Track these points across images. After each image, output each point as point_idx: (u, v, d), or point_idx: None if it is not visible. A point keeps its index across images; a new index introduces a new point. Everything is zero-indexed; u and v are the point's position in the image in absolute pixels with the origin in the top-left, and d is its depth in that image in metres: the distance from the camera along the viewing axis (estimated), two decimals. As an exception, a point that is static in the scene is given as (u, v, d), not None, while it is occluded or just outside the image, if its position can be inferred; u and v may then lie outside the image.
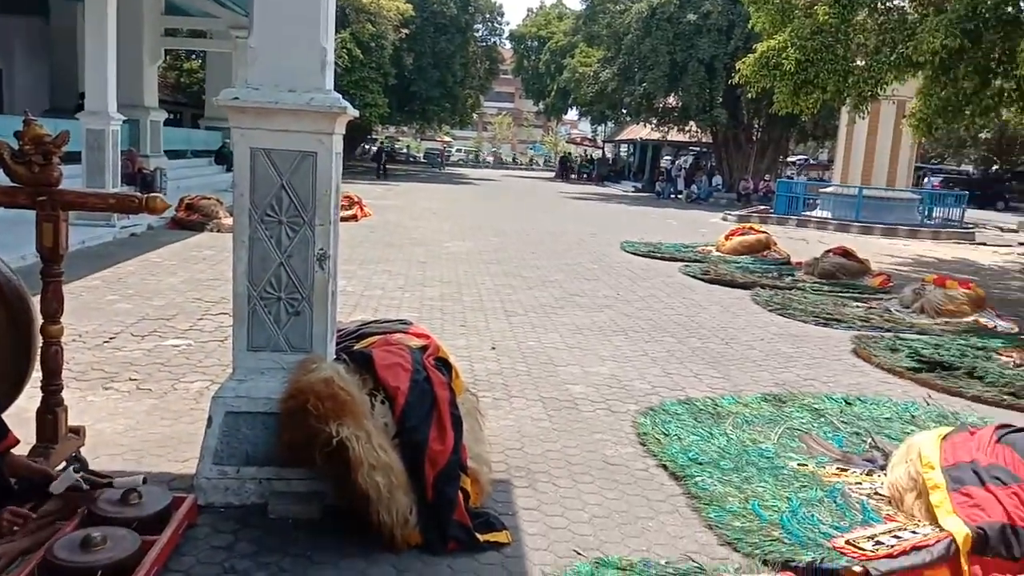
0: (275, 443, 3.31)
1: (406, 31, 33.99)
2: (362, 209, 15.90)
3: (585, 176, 43.56)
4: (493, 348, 6.30)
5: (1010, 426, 3.66)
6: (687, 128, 32.11)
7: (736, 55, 18.80)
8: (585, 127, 60.66)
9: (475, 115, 49.92)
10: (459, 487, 3.28)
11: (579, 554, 3.16)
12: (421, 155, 56.29)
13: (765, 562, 3.07)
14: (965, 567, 2.99)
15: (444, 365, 3.71)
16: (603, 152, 51.74)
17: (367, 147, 51.98)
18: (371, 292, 8.31)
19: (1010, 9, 9.46)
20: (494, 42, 45.16)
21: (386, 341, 3.66)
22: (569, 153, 51.55)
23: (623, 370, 5.90)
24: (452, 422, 3.36)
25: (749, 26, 13.34)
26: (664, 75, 27.38)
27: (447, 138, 61.05)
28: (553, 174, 46.37)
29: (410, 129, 59.82)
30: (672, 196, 31.14)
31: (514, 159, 64.90)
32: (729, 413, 4.85)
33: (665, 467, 4.05)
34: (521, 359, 6.03)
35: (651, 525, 3.47)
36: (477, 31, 42.69)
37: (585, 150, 55.03)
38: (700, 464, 4.00)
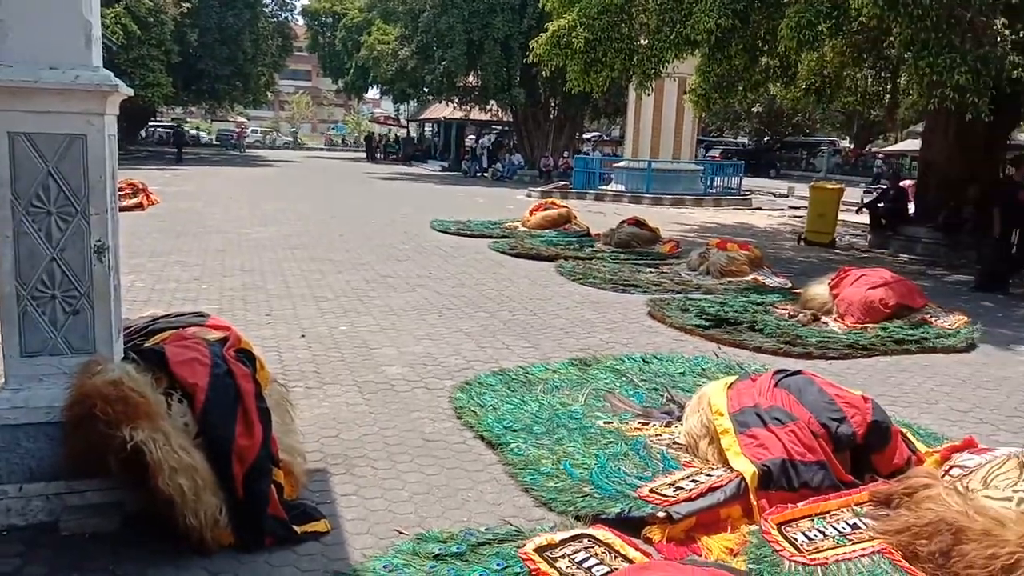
0: (63, 454, 3.03)
1: (188, 5, 31.83)
2: (148, 197, 14.80)
3: (392, 156, 43.11)
4: (303, 336, 6.11)
5: (785, 371, 4.07)
6: (488, 107, 32.59)
7: (530, 34, 19.30)
8: (388, 106, 59.84)
9: (270, 94, 47.70)
10: (271, 481, 3.17)
11: (400, 533, 3.16)
12: (214, 137, 53.19)
13: (578, 517, 3.23)
14: (754, 502, 3.30)
15: (247, 357, 3.55)
16: (408, 131, 51.41)
17: (154, 130, 48.37)
18: (163, 286, 7.77)
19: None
20: (285, 17, 43.39)
21: (180, 336, 3.44)
22: (372, 133, 50.64)
23: (438, 347, 5.94)
24: (259, 415, 3.23)
25: (540, 5, 13.68)
26: (462, 53, 27.57)
27: (241, 118, 58.02)
28: (361, 155, 45.39)
29: (199, 109, 56.31)
30: (478, 174, 31.57)
31: (330, 141, 62.89)
32: (540, 380, 5.03)
33: (482, 438, 4.15)
34: (334, 345, 5.91)
35: (471, 495, 3.54)
36: (266, 6, 40.77)
37: (389, 129, 54.36)
38: (515, 431, 4.12)
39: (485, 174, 31.54)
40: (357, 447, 4.02)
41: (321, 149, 57.19)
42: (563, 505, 3.35)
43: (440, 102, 36.59)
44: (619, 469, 3.63)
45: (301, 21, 45.35)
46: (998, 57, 8.17)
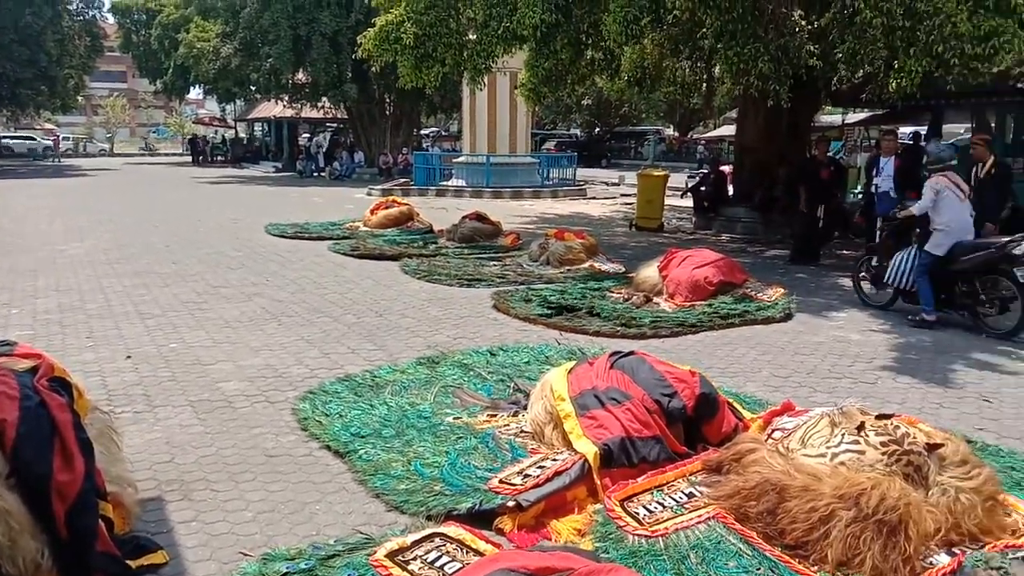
0: None
1: (-25, 3, 28.93)
2: (-57, 216, 13.37)
3: (220, 159, 41.11)
4: (128, 357, 5.72)
5: (620, 352, 4.25)
6: (321, 104, 31.76)
7: (358, 29, 18.94)
8: (213, 106, 56.99)
9: (80, 98, 44.19)
10: (99, 516, 2.94)
11: (245, 555, 3.04)
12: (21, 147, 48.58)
13: (430, 517, 3.23)
14: (598, 481, 3.43)
15: (62, 385, 3.27)
16: (236, 132, 49.20)
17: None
18: (-35, 313, 7.05)
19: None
20: (93, 15, 40.20)
21: (-20, 368, 3.12)
22: (196, 135, 48.03)
23: (279, 358, 5.74)
24: (80, 447, 2.98)
25: (367, 0, 13.50)
26: (289, 50, 26.68)
27: (50, 125, 53.37)
28: (187, 159, 42.88)
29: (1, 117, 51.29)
30: (315, 174, 30.75)
31: (147, 146, 58.83)
32: (387, 382, 4.98)
33: (329, 447, 4.05)
34: (163, 364, 5.57)
35: (319, 508, 3.45)
36: (70, 3, 37.66)
37: (216, 131, 51.79)
38: (363, 437, 4.05)
39: (322, 174, 30.76)
40: (194, 470, 3.82)
41: (141, 155, 53.52)
42: (415, 506, 3.34)
43: (269, 100, 35.27)
44: (469, 464, 3.66)
45: (111, 19, 42.24)
46: (796, 46, 8.87)
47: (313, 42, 26.73)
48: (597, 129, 47.24)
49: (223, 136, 48.11)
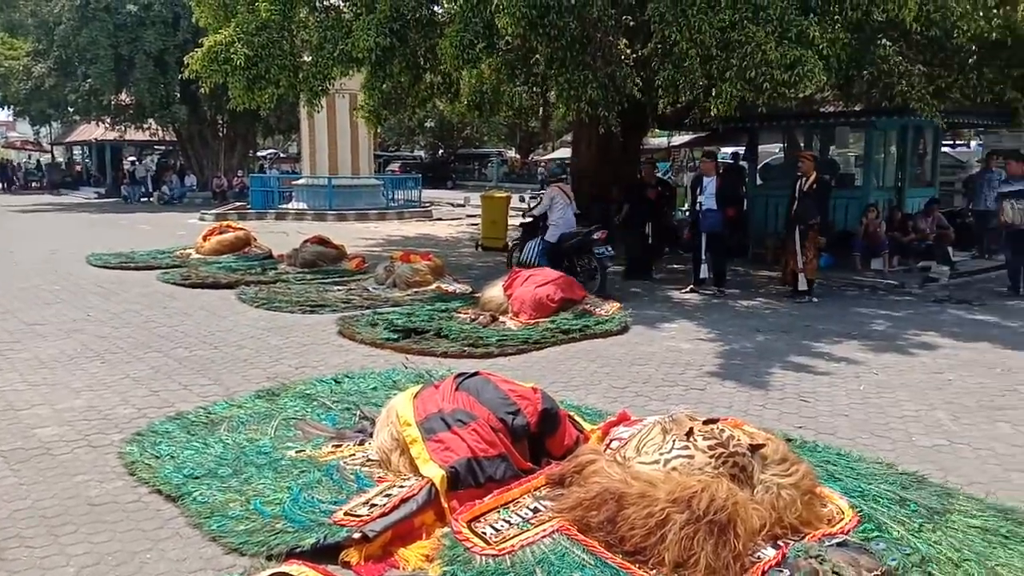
0: None
1: None
2: None
3: (35, 185, 37.89)
4: (-75, 406, 5.15)
5: (464, 374, 4.27)
6: (147, 126, 30.05)
7: (186, 48, 18.11)
8: (26, 128, 52.55)
9: None
10: None
11: (65, 616, 2.79)
12: None
13: (270, 556, 3.10)
14: (445, 504, 3.42)
15: None
16: (53, 156, 45.59)
17: None
18: None
19: (426, 12, 10.84)
20: None
21: None
22: (6, 160, 44.07)
23: (102, 399, 5.35)
24: None
25: (194, 19, 12.93)
26: (110, 69, 25.02)
27: None
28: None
29: None
30: (142, 200, 29.03)
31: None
32: (223, 418, 4.75)
33: (160, 491, 3.81)
34: (-33, 412, 5.05)
35: (150, 557, 3.24)
36: None
37: (29, 155, 47.76)
38: (197, 478, 3.84)
39: (150, 199, 29.09)
40: (7, 527, 3.48)
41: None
42: (255, 547, 3.20)
43: (89, 122, 32.97)
44: (313, 498, 3.55)
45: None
46: (623, 75, 9.33)
47: (137, 61, 25.24)
48: (441, 151, 47.54)
49: (38, 161, 44.45)
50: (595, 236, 9.40)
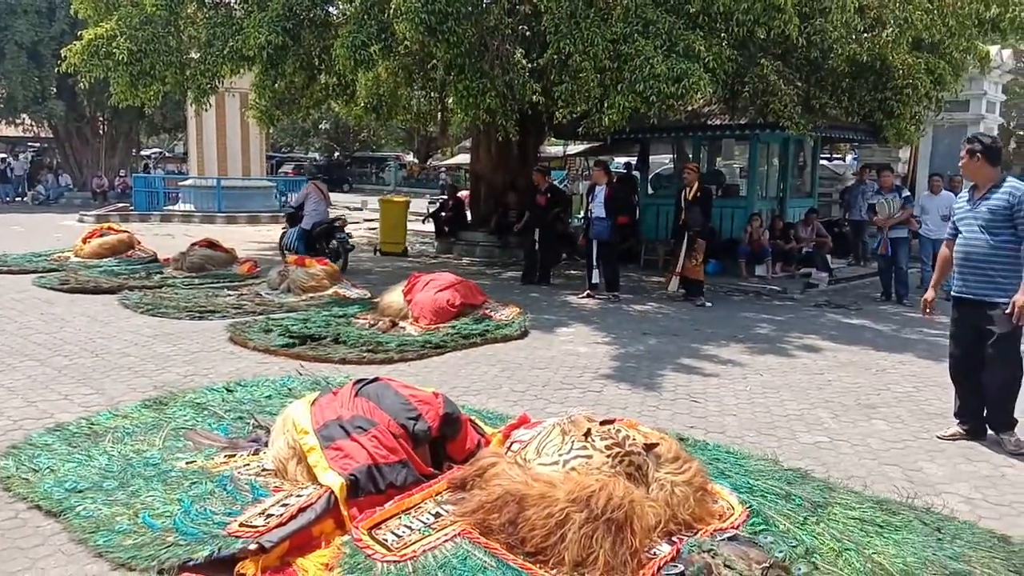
0: None
1: None
2: None
3: None
4: None
5: (364, 380, 4.22)
6: (20, 121, 28.23)
7: (63, 40, 17.13)
8: None
9: None
10: None
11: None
12: None
13: (161, 571, 2.98)
14: (345, 512, 3.36)
15: None
16: (-90, 151, 42.21)
17: None
18: None
19: (320, 12, 10.66)
20: None
21: None
22: None
23: (-29, 411, 4.99)
24: None
25: (72, 10, 12.25)
26: (-23, 60, 23.46)
27: None
28: None
29: None
30: (14, 199, 27.26)
31: None
32: (107, 429, 4.52)
33: (39, 507, 3.59)
34: None
35: (28, 577, 3.05)
36: None
37: None
38: (80, 492, 3.64)
39: (23, 199, 27.33)
40: None
41: None
42: (145, 560, 3.06)
43: (-47, 116, 30.67)
44: (206, 509, 3.43)
45: None
46: (520, 83, 9.46)
47: (7, 52, 23.66)
48: (337, 154, 46.74)
49: None
50: (336, 224, 12.16)
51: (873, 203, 10.68)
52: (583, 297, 9.92)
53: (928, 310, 5.22)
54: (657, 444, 3.56)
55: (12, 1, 23.61)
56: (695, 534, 3.26)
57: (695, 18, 9.09)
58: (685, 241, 9.76)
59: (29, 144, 35.89)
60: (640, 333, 7.92)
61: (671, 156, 15.77)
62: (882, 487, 4.10)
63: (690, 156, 13.61)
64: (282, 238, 12.77)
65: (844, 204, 14.37)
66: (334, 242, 12.02)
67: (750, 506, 3.56)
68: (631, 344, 7.41)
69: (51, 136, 30.42)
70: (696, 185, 9.79)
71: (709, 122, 12.66)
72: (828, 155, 23.27)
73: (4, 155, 32.19)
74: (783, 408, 5.57)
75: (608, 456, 3.38)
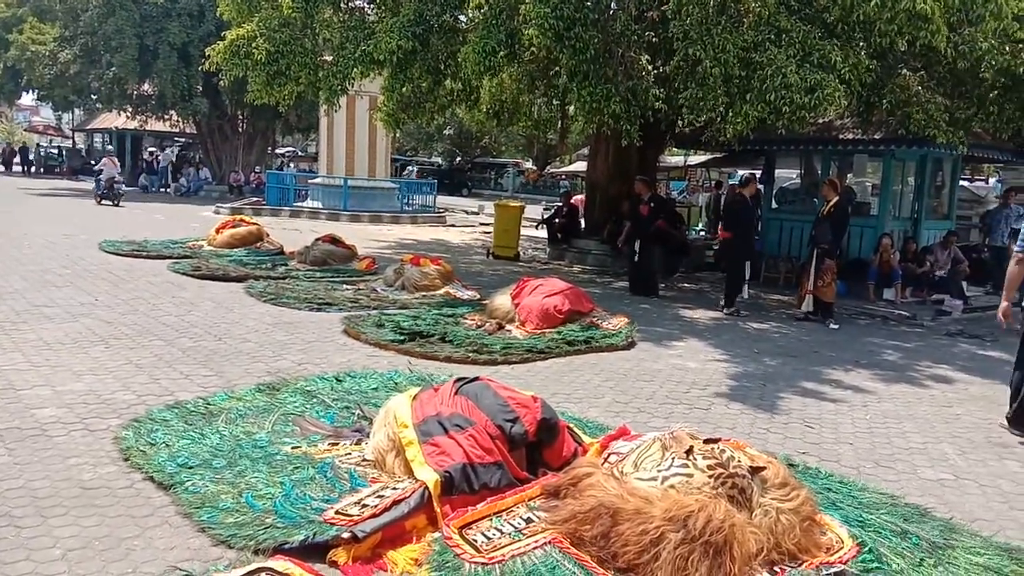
0: None
1: None
2: None
3: (56, 170, 38.17)
4: (-74, 380, 5.15)
5: (464, 378, 4.23)
6: (168, 117, 30.26)
7: (210, 41, 18.24)
8: (48, 114, 53.08)
9: None
10: None
11: (47, 598, 2.76)
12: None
13: (258, 551, 3.06)
14: (438, 509, 3.37)
15: None
16: (74, 143, 46.00)
17: None
18: None
19: (450, 18, 10.88)
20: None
21: None
22: (25, 143, 44.44)
23: (103, 383, 5.33)
24: None
25: (218, 12, 13.01)
26: (134, 59, 25.23)
27: None
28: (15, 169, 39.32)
29: None
30: (159, 190, 29.20)
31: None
32: (222, 410, 4.72)
33: (152, 479, 3.78)
34: (-32, 389, 5.04)
35: (137, 544, 3.20)
36: None
37: (51, 139, 48.19)
38: (191, 468, 3.81)
39: (167, 190, 29.25)
40: (-4, 506, 3.46)
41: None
42: (243, 540, 3.16)
43: (111, 111, 33.21)
44: (305, 494, 3.51)
45: (-72, 13, 38.52)
46: (644, 89, 9.32)
47: (160, 52, 25.43)
48: (458, 158, 47.65)
49: (59, 146, 44.79)
50: None
51: (1018, 228, 9.89)
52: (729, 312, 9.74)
53: (1006, 319, 5.58)
54: (764, 468, 3.38)
55: (167, 5, 25.33)
56: (799, 566, 3.08)
57: (832, 27, 8.70)
58: (813, 258, 9.36)
59: (175, 139, 38.35)
60: (754, 352, 7.62)
61: (799, 171, 15.16)
62: (1013, 533, 3.76)
63: (819, 171, 13.05)
64: None
65: (984, 228, 13.43)
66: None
67: (861, 541, 3.33)
68: (745, 363, 7.14)
69: (195, 132, 32.44)
70: (833, 201, 9.45)
71: (841, 136, 12.09)
72: (969, 176, 21.82)
73: (152, 148, 34.59)
74: (905, 440, 5.21)
75: (710, 476, 3.23)
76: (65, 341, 6.39)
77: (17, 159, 39.11)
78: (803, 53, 8.42)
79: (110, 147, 32.07)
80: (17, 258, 10.68)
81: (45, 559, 3.05)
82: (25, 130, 56.71)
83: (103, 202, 21.20)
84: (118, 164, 23.92)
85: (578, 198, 16.95)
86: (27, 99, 42.69)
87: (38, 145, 45.04)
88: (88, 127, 42.10)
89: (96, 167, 23.57)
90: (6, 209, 18.62)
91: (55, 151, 41.94)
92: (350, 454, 4.04)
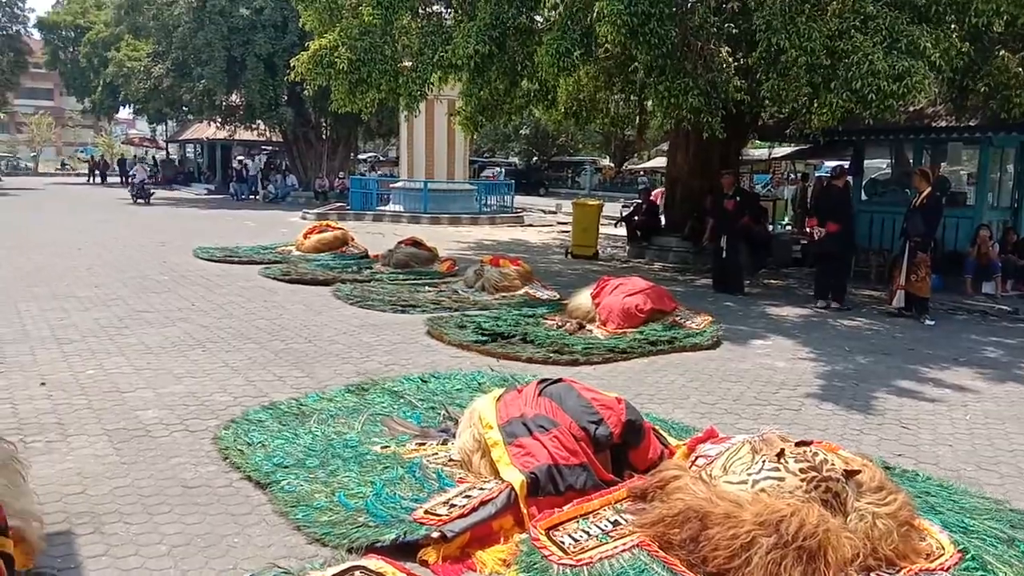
0: None
1: None
2: None
3: (151, 180, 40.01)
4: (43, 384, 5.48)
5: (548, 380, 4.24)
6: (255, 126, 31.35)
7: (294, 51, 18.79)
8: (143, 126, 55.72)
9: (2, 114, 42.64)
10: (-2, 553, 2.79)
11: (156, 592, 2.91)
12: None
13: (352, 549, 3.15)
14: (524, 510, 3.40)
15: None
16: (167, 153, 48.16)
17: None
18: None
19: (526, 20, 10.90)
20: (17, 31, 38.93)
21: None
22: (123, 155, 46.72)
23: (202, 385, 5.57)
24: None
25: (301, 23, 13.40)
26: (222, 71, 26.24)
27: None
28: (115, 180, 41.37)
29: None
30: (248, 197, 30.27)
31: (63, 164, 56.85)
32: (314, 411, 4.87)
33: (250, 478, 3.93)
34: (79, 391, 5.35)
35: (237, 541, 3.34)
36: (-8, 18, 36.42)
37: (146, 151, 50.55)
38: (286, 467, 3.95)
39: (256, 197, 30.27)
40: (107, 502, 3.66)
41: (61, 174, 51.18)
42: (337, 538, 3.26)
43: (202, 122, 34.63)
44: (395, 494, 3.59)
45: (37, 35, 41.00)
46: (724, 81, 9.13)
47: (247, 63, 26.35)
48: (535, 158, 47.70)
49: (154, 157, 46.94)
50: None
51: None
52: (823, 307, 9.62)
53: None
54: (859, 471, 3.27)
55: (253, 18, 26.21)
56: (897, 572, 2.98)
57: (923, 11, 8.34)
58: (906, 252, 8.99)
59: (262, 147, 39.64)
60: (845, 350, 7.38)
61: (889, 161, 14.59)
62: None
63: (911, 160, 12.53)
64: None
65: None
66: None
67: (963, 548, 3.19)
68: (836, 361, 6.92)
69: (281, 140, 33.49)
70: (926, 191, 9.07)
71: (933, 123, 11.57)
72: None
73: (241, 157, 35.89)
74: (1009, 442, 4.96)
75: (802, 480, 3.15)
76: (165, 345, 6.71)
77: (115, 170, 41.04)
78: (891, 39, 8.10)
79: (141, 156, 33.66)
80: (119, 266, 11.25)
81: (152, 555, 3.21)
82: (123, 143, 59.59)
83: (137, 200, 24.66)
84: (147, 169, 29.06)
85: (657, 191, 16.71)
86: (124, 113, 44.92)
87: (134, 156, 47.22)
88: (180, 138, 43.98)
89: (130, 172, 28.27)
90: (109, 219, 19.64)
91: (150, 163, 43.93)
92: (437, 454, 4.11)
